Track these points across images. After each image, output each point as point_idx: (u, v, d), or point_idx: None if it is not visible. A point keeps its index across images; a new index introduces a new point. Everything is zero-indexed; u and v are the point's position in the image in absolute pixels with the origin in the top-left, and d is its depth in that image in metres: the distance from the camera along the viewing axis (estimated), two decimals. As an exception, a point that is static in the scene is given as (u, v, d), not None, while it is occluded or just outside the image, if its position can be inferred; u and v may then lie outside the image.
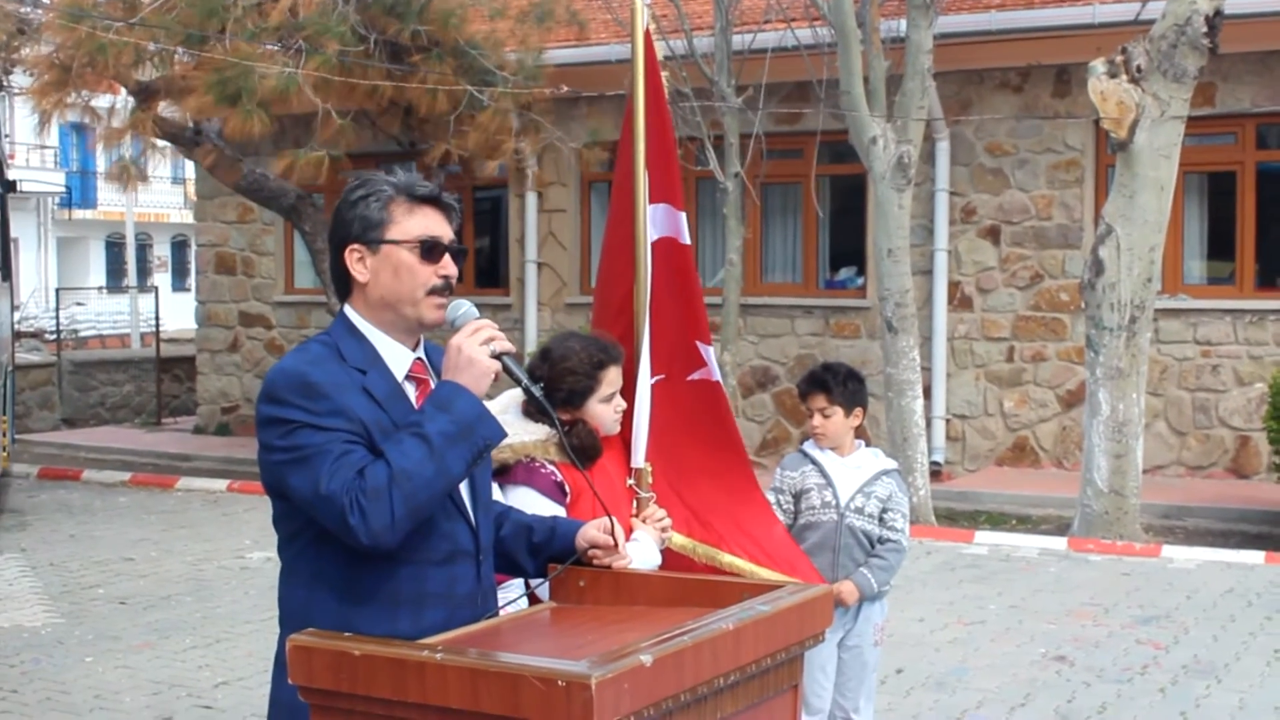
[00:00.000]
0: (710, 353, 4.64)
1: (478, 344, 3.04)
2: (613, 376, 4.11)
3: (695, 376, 4.62)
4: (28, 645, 8.27)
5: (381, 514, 2.90)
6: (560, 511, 3.88)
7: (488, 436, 3.02)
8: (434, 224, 3.16)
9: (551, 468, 3.97)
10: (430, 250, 3.13)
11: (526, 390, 3.21)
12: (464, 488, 3.17)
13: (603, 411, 4.09)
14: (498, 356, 3.06)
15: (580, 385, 4.06)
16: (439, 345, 3.28)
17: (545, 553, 3.39)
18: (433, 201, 3.18)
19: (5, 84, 15.46)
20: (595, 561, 3.34)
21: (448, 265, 3.15)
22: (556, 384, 4.05)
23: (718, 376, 4.68)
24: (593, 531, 3.34)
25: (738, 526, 4.59)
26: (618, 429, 4.18)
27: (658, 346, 4.46)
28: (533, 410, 3.99)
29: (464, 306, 3.18)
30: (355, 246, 3.15)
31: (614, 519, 3.37)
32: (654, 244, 4.51)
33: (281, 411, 3.01)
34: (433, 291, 3.13)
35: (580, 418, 4.06)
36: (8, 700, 7.21)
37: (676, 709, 2.66)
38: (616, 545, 3.34)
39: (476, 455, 3.01)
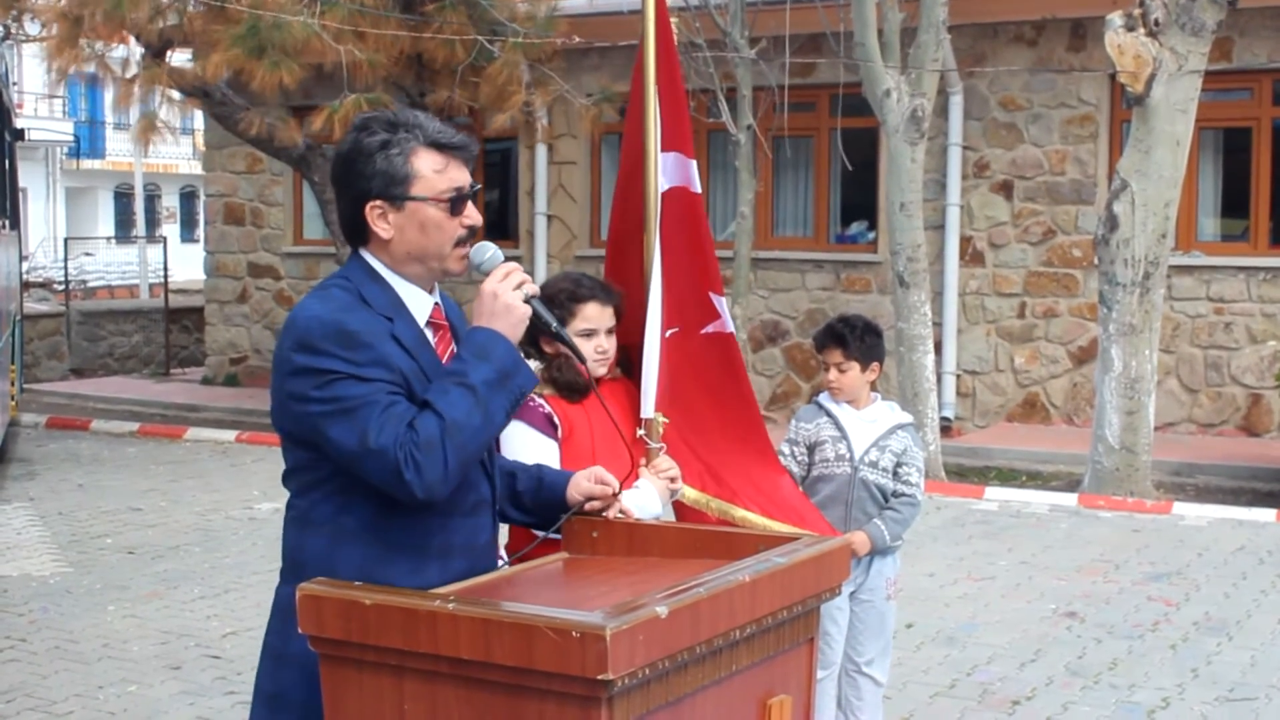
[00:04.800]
0: (723, 303, 4.58)
1: (511, 289, 2.98)
2: (590, 312, 4.05)
3: (709, 329, 4.56)
4: (36, 594, 8.28)
5: (436, 466, 2.85)
6: (553, 445, 3.86)
7: (524, 384, 2.98)
8: (458, 174, 3.06)
9: (540, 400, 3.95)
10: (455, 204, 3.05)
11: (554, 332, 3.16)
12: None
13: (578, 346, 4.04)
14: (527, 301, 3.01)
15: (555, 315, 4.02)
16: (449, 296, 3.23)
17: (531, 500, 3.34)
18: (456, 149, 3.08)
19: (13, 33, 15.33)
20: (593, 510, 3.27)
21: (472, 214, 3.07)
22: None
23: (731, 328, 4.61)
24: (585, 483, 3.27)
25: (749, 481, 4.55)
26: (600, 371, 4.10)
27: (671, 298, 4.40)
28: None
29: (489, 250, 3.10)
30: (377, 203, 3.03)
31: (601, 468, 3.30)
32: (665, 194, 4.44)
33: (319, 361, 2.90)
34: (459, 243, 3.06)
35: (562, 352, 4.03)
36: (16, 649, 7.21)
37: (691, 661, 2.62)
38: (614, 494, 3.27)
39: (515, 402, 2.96)
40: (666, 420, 4.24)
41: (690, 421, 4.45)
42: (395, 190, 3.01)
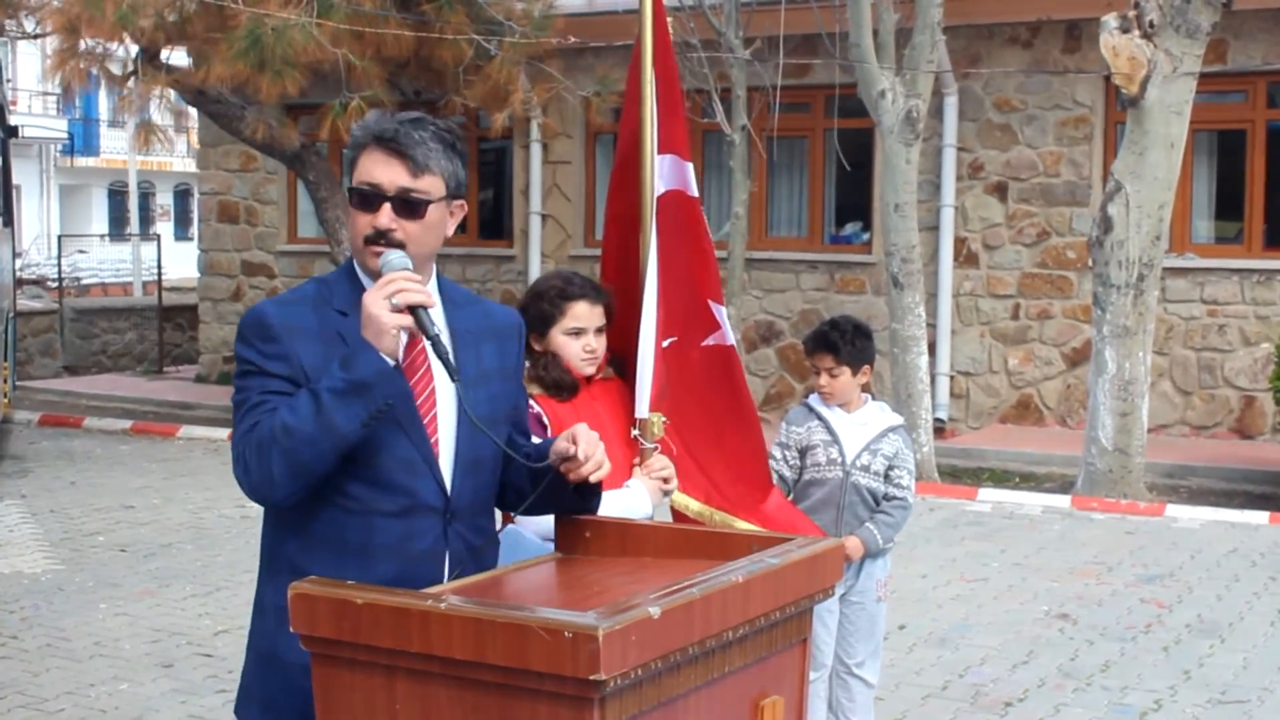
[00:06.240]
0: (723, 313, 4.52)
1: (380, 298, 2.90)
2: (579, 311, 4.07)
3: (709, 342, 4.51)
4: (28, 592, 8.26)
5: (263, 468, 2.90)
6: None
7: (388, 396, 2.91)
8: (379, 170, 3.01)
9: (529, 401, 3.95)
10: (365, 200, 3.01)
11: (432, 344, 2.98)
12: (444, 443, 3.07)
13: (566, 344, 4.06)
14: (411, 310, 2.91)
15: (544, 312, 4.06)
16: (470, 292, 3.23)
17: (533, 470, 3.27)
18: (384, 143, 3.02)
19: (6, 29, 15.30)
20: (571, 473, 3.16)
21: (380, 215, 3.00)
22: (525, 308, 4.09)
23: (732, 340, 4.56)
24: (560, 443, 3.18)
25: (739, 494, 4.54)
26: (588, 370, 4.10)
27: (669, 306, 4.35)
28: None
29: (392, 256, 3.00)
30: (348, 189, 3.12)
31: (584, 425, 3.21)
32: (661, 197, 4.40)
33: (242, 350, 3.02)
34: (368, 241, 3.02)
35: (550, 349, 4.06)
36: (8, 646, 7.20)
37: (684, 662, 2.62)
38: (579, 452, 3.12)
39: (373, 414, 2.90)
40: (666, 420, 4.23)
41: (694, 433, 4.43)
42: (346, 178, 3.11)
